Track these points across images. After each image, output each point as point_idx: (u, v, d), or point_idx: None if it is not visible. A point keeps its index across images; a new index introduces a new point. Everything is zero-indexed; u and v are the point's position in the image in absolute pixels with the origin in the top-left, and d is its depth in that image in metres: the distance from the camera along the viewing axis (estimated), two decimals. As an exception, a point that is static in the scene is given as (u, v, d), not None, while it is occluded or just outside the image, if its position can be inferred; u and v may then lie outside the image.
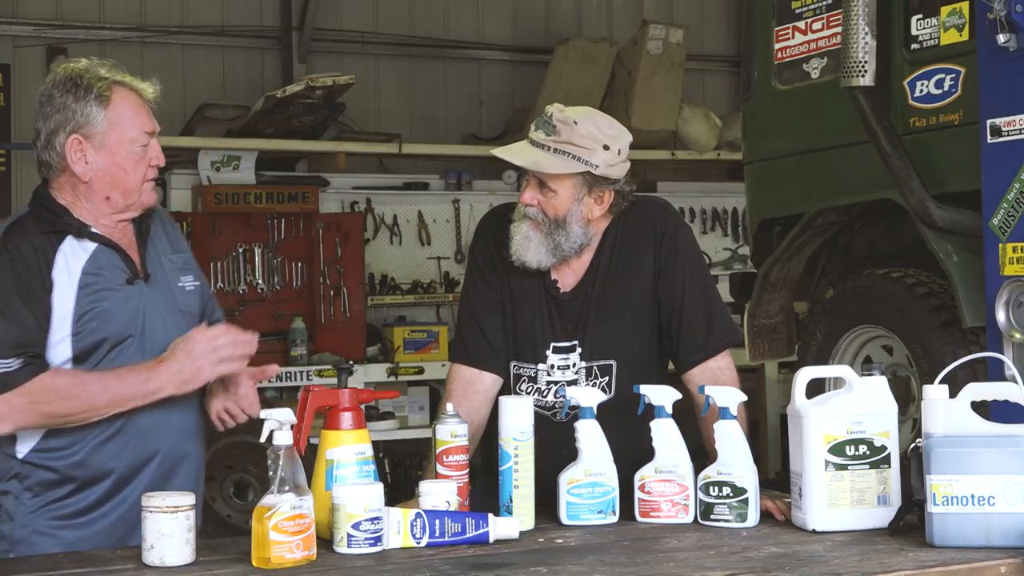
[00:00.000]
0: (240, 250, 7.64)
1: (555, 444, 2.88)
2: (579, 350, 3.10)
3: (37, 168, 2.95)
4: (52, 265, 2.82)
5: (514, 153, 3.03)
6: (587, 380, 3.08)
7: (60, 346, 2.82)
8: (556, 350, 3.10)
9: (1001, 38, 4.05)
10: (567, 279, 3.12)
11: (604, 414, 2.85)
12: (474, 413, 3.04)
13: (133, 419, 2.87)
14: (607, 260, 3.10)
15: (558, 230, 3.02)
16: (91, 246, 2.87)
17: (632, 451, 2.84)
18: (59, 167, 2.88)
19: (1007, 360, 3.29)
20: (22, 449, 2.86)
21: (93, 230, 2.89)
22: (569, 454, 2.82)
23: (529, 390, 3.10)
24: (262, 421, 2.61)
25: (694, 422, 2.98)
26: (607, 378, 3.09)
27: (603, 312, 3.09)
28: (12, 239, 2.83)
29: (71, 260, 2.84)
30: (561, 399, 3.07)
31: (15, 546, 2.87)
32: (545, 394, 3.10)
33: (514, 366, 3.14)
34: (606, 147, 2.97)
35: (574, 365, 3.10)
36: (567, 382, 3.08)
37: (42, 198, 2.92)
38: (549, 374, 3.10)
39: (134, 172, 2.90)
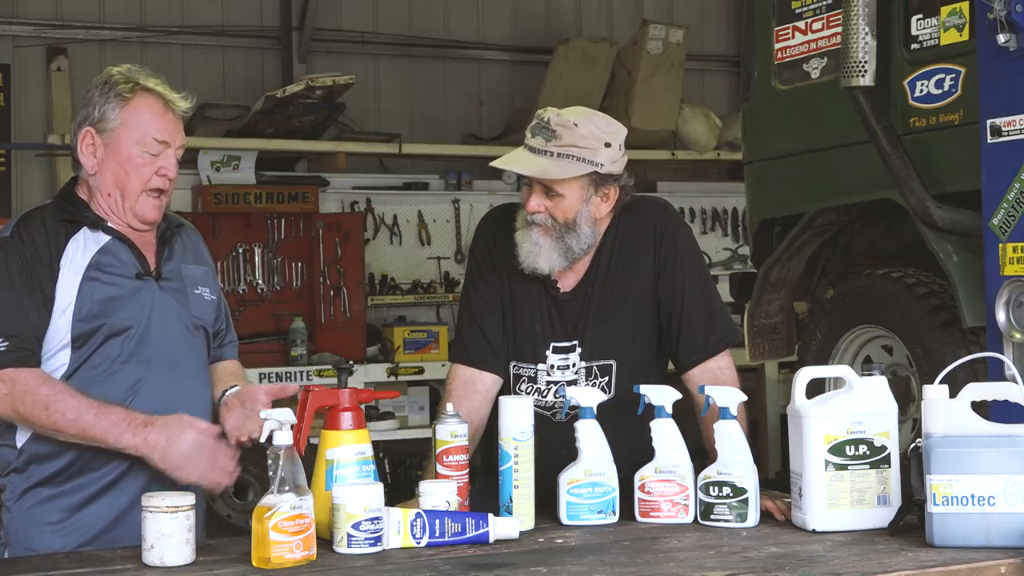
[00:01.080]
0: (240, 250, 7.64)
1: (555, 444, 2.88)
2: (579, 350, 3.09)
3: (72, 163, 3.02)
4: (62, 253, 2.86)
5: (518, 163, 3.01)
6: (587, 380, 3.08)
7: (62, 330, 2.84)
8: (556, 350, 3.10)
9: (1001, 38, 4.05)
10: (567, 279, 3.11)
11: (604, 414, 2.85)
12: (474, 413, 3.04)
13: None
14: (607, 260, 3.09)
15: (569, 233, 3.01)
16: (104, 238, 2.92)
17: (632, 451, 2.84)
18: (76, 158, 2.95)
19: (1007, 360, 3.29)
20: (22, 438, 2.87)
21: (109, 225, 2.93)
22: (569, 454, 2.82)
23: (529, 390, 3.10)
24: (262, 421, 2.62)
25: (694, 422, 2.98)
26: (607, 378, 3.09)
27: (603, 312, 3.09)
28: (26, 224, 2.89)
29: (82, 249, 2.88)
30: (561, 399, 3.07)
31: (12, 536, 2.88)
32: (545, 394, 3.10)
33: (514, 366, 3.14)
34: (607, 144, 2.98)
35: (574, 365, 3.10)
36: (567, 382, 3.08)
37: (65, 193, 2.99)
38: (549, 374, 3.10)
39: (135, 175, 2.91)
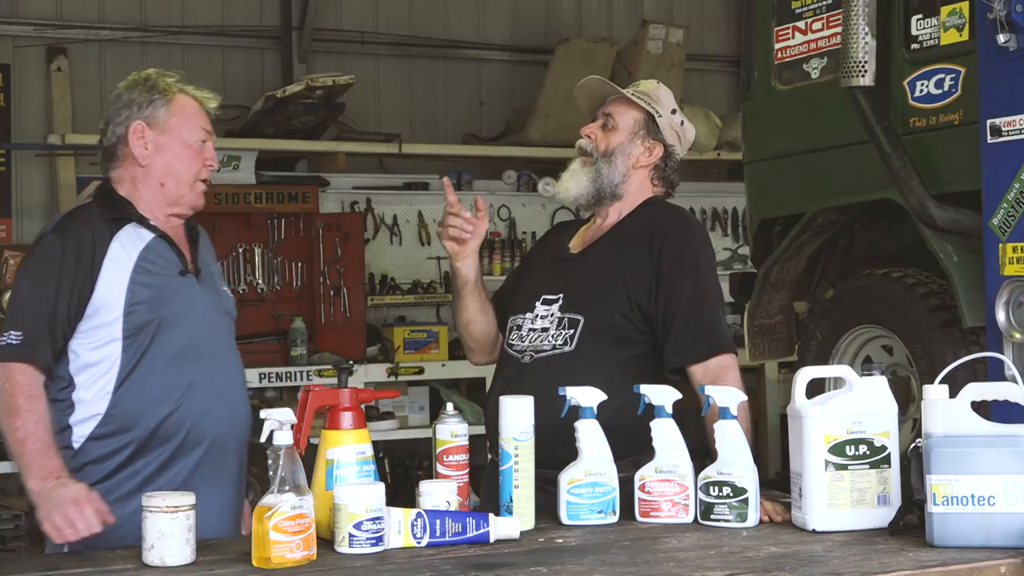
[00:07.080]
0: (240, 250, 7.65)
1: (523, 384, 3.02)
2: (560, 302, 3.20)
3: (100, 161, 3.11)
4: (106, 252, 2.93)
5: (598, 79, 3.36)
6: (556, 329, 3.16)
7: (112, 327, 2.91)
8: (544, 301, 3.22)
9: (1001, 38, 4.05)
10: (578, 244, 3.30)
11: (560, 362, 3.05)
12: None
13: (184, 407, 2.94)
14: (617, 233, 3.23)
15: (603, 160, 3.25)
16: (148, 235, 3.00)
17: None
18: (121, 154, 3.03)
19: (1007, 360, 3.29)
20: (78, 439, 2.92)
21: (151, 223, 3.02)
22: (536, 390, 2.89)
23: (513, 338, 3.23)
24: (262, 421, 2.62)
25: (693, 422, 2.97)
26: (573, 331, 3.15)
27: (591, 272, 3.20)
28: (72, 222, 2.98)
29: (127, 246, 2.97)
30: (534, 344, 3.16)
31: None
32: (524, 339, 3.21)
33: (511, 320, 3.28)
34: (674, 111, 3.33)
35: (552, 315, 3.19)
36: (541, 329, 3.18)
37: (106, 191, 3.07)
38: (533, 322, 3.22)
39: (188, 165, 3.05)
